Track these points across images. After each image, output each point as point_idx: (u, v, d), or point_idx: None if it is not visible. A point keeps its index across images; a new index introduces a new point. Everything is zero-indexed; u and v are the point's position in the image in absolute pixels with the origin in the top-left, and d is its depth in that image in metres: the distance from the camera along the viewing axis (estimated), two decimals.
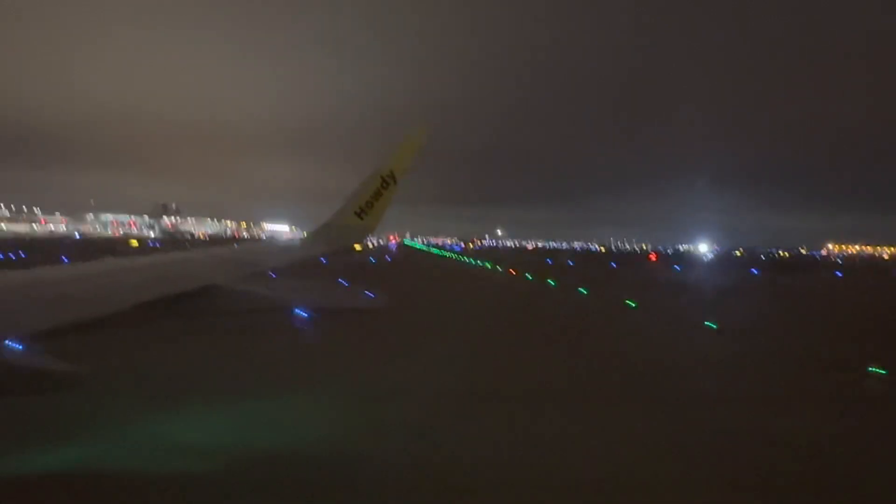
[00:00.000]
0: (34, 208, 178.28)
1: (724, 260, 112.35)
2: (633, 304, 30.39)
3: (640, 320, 26.32)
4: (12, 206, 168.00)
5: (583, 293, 36.99)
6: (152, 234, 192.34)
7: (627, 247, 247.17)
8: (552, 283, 43.72)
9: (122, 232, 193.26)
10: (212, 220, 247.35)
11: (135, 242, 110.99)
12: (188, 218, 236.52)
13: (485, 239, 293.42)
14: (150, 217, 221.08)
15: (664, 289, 46.20)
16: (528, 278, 49.47)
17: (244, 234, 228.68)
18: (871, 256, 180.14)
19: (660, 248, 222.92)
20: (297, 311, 22.89)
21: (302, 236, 13.63)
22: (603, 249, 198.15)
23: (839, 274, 67.45)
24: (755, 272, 67.01)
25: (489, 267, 65.76)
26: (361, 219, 8.78)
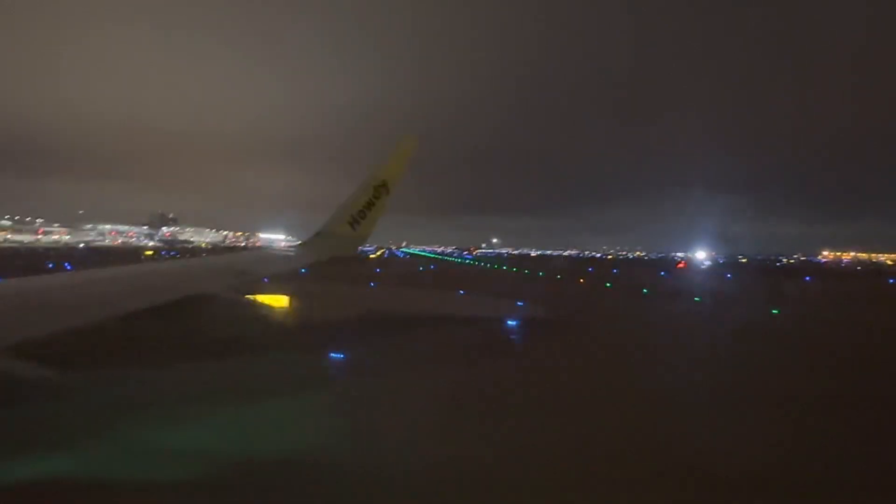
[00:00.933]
0: (36, 219, 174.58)
1: (747, 267, 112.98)
2: (776, 312, 30.34)
3: (837, 335, 25.54)
4: (17, 216, 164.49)
5: (699, 302, 36.81)
6: (151, 244, 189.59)
7: (627, 255, 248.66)
8: (646, 292, 43.54)
9: (120, 242, 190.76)
10: (210, 230, 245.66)
11: (149, 252, 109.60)
12: (187, 228, 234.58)
13: (480, 247, 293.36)
14: (150, 227, 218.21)
15: (783, 297, 45.10)
16: (608, 286, 49.30)
17: (242, 243, 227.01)
18: (872, 262, 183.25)
19: (654, 255, 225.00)
20: (509, 321, 23.18)
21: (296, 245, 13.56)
22: (610, 257, 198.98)
23: (892, 280, 68.24)
24: (808, 279, 67.58)
25: (542, 275, 65.50)
26: (354, 228, 8.71)
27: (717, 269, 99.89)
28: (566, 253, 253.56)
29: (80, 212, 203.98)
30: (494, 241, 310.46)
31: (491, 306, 29.37)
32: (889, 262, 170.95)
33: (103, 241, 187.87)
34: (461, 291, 37.71)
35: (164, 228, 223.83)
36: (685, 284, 56.30)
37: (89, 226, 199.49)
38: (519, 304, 29.95)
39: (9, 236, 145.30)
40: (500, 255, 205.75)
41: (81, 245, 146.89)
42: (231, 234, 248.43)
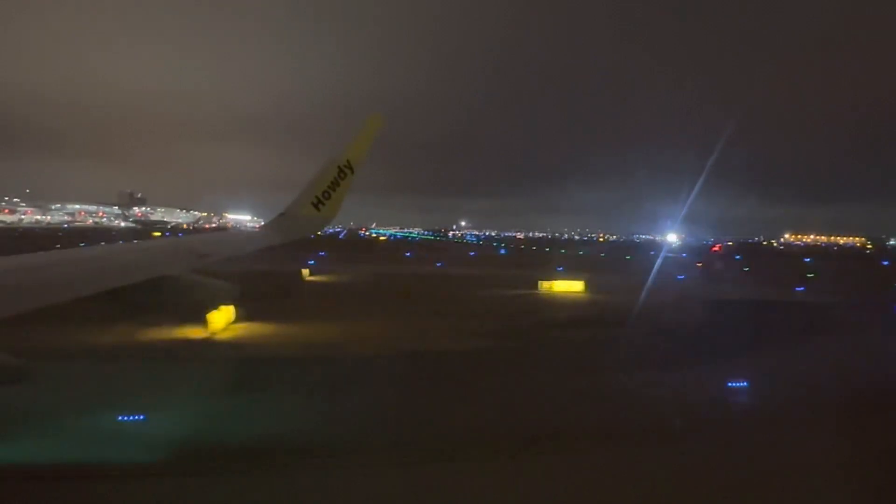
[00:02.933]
0: (14, 199, 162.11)
1: (764, 251, 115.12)
2: None
3: None
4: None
5: None
6: (123, 225, 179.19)
7: (609, 237, 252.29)
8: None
9: (91, 222, 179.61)
10: (180, 210, 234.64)
11: (157, 234, 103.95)
12: (157, 209, 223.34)
13: (452, 229, 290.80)
14: (120, 207, 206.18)
15: None
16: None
17: (215, 223, 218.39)
18: (838, 244, 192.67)
19: (633, 237, 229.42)
20: None
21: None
22: (602, 238, 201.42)
23: None
24: (886, 263, 69.66)
25: (630, 258, 64.72)
26: (318, 209, 8.67)
27: (760, 254, 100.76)
28: (538, 235, 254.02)
29: (27, 190, 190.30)
30: (463, 223, 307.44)
31: (776, 291, 28.72)
32: (870, 246, 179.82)
33: (73, 221, 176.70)
34: (680, 277, 36.71)
35: (136, 208, 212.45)
36: (804, 271, 55.76)
37: (57, 205, 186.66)
38: (799, 289, 29.38)
39: None
40: (489, 237, 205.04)
41: (65, 226, 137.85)
42: (201, 214, 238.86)
